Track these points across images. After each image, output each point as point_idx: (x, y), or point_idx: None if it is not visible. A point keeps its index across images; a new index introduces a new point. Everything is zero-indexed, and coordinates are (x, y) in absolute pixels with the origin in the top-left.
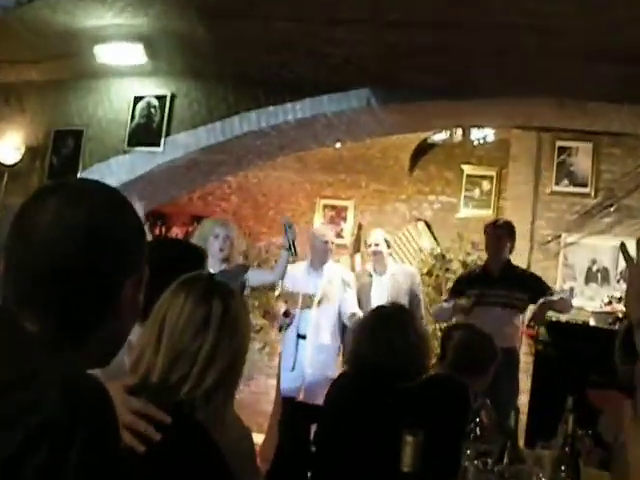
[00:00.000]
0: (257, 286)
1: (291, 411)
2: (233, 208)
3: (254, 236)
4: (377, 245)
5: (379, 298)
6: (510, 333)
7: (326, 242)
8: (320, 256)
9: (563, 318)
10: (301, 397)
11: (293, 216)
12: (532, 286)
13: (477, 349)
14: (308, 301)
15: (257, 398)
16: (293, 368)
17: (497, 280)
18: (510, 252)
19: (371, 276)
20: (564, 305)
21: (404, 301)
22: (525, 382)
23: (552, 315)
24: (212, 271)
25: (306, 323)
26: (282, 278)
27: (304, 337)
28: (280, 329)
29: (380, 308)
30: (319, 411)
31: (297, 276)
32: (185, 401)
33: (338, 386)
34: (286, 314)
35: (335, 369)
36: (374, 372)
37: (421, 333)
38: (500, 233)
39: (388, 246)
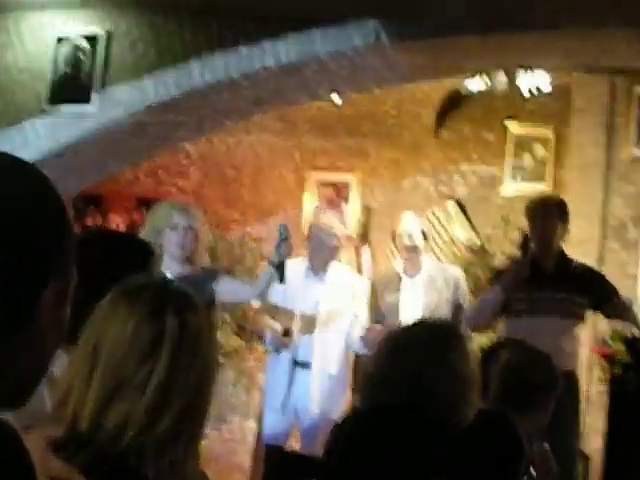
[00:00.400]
0: (229, 302)
1: (279, 465)
2: (193, 187)
3: (223, 225)
4: (411, 237)
5: (410, 310)
6: (571, 351)
7: (334, 237)
8: (325, 257)
9: None
10: (293, 446)
11: (276, 198)
12: (594, 287)
13: (532, 374)
14: (309, 321)
15: (231, 447)
16: (283, 407)
17: (552, 279)
18: (563, 239)
19: (399, 279)
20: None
21: (444, 314)
22: (596, 419)
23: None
24: (168, 275)
25: (306, 347)
26: (263, 300)
27: (305, 365)
28: (274, 350)
29: (414, 325)
30: (318, 466)
31: (291, 284)
32: (129, 452)
33: (346, 433)
34: (286, 333)
35: (341, 409)
36: (397, 417)
37: (471, 365)
38: (551, 213)
39: (425, 238)
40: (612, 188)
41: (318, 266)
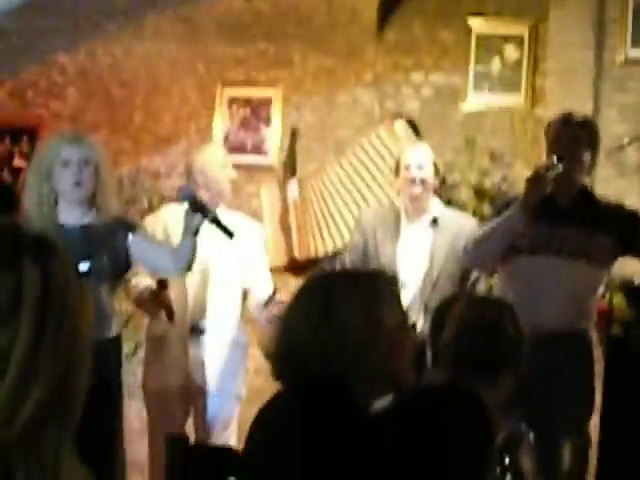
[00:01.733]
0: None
1: (183, 460)
2: (71, 110)
3: (110, 158)
4: (421, 169)
5: (413, 262)
6: (583, 304)
7: (217, 176)
8: (210, 198)
9: None
10: (194, 435)
11: (177, 122)
12: (621, 224)
13: (490, 331)
14: (203, 277)
15: (128, 439)
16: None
17: (567, 214)
18: (589, 172)
19: (397, 222)
20: None
21: (454, 270)
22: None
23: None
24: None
25: (200, 309)
26: (186, 271)
27: (202, 332)
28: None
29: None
30: (236, 460)
31: (172, 236)
32: None
33: (271, 417)
34: (162, 284)
35: (242, 384)
36: (321, 388)
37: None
38: (578, 135)
39: (437, 173)
40: (604, 98)
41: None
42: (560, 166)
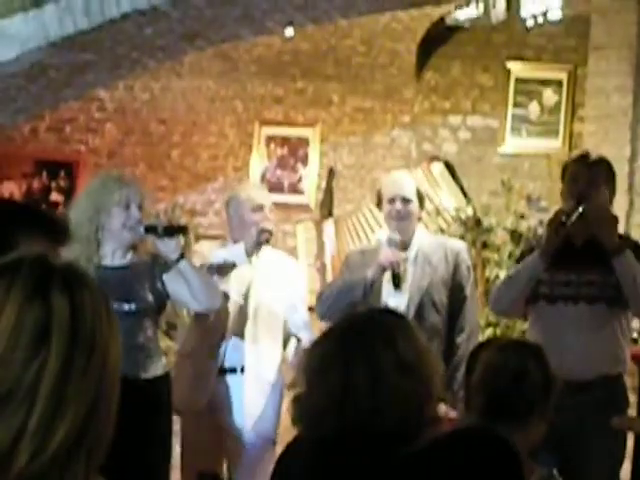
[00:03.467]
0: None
1: None
2: (109, 146)
3: (147, 194)
4: (405, 201)
5: (394, 294)
6: (610, 349)
7: (258, 208)
8: (250, 238)
9: None
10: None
11: (214, 160)
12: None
13: (518, 374)
14: (241, 315)
15: None
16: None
17: (582, 256)
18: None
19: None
20: None
21: (442, 297)
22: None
23: None
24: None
25: (236, 350)
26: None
27: (234, 371)
28: None
29: (347, 318)
30: None
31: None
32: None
33: (291, 463)
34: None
35: (277, 426)
36: (339, 439)
37: (417, 354)
38: (594, 175)
39: (421, 203)
40: None
41: (248, 250)
42: (580, 209)
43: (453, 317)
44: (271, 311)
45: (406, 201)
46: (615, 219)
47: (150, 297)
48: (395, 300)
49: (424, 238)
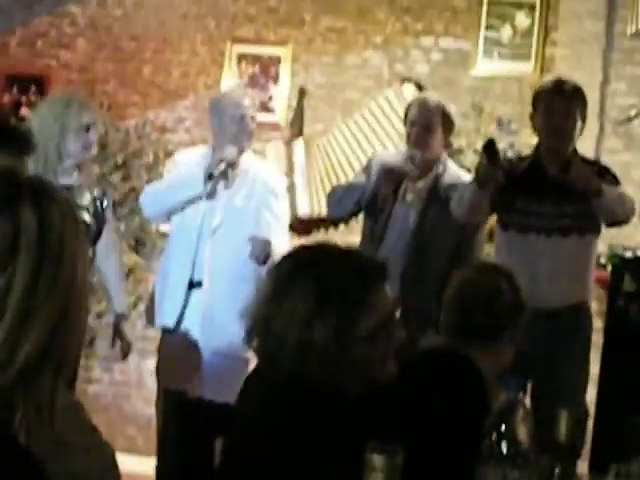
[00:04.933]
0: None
1: (178, 414)
2: (80, 61)
3: (117, 110)
4: (427, 117)
5: (399, 230)
6: (579, 277)
7: (243, 116)
8: (240, 140)
9: None
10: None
11: (186, 77)
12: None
13: (489, 297)
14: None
15: (124, 392)
16: (173, 331)
17: (555, 186)
18: (579, 134)
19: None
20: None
21: (446, 245)
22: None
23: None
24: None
25: (202, 262)
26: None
27: (200, 284)
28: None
29: (301, 250)
30: (228, 416)
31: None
32: None
33: (251, 390)
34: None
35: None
36: (290, 385)
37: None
38: (568, 102)
39: (449, 128)
40: (613, 70)
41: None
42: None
43: (460, 256)
44: (237, 226)
45: (427, 128)
46: (590, 170)
47: (89, 219)
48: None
49: (447, 169)
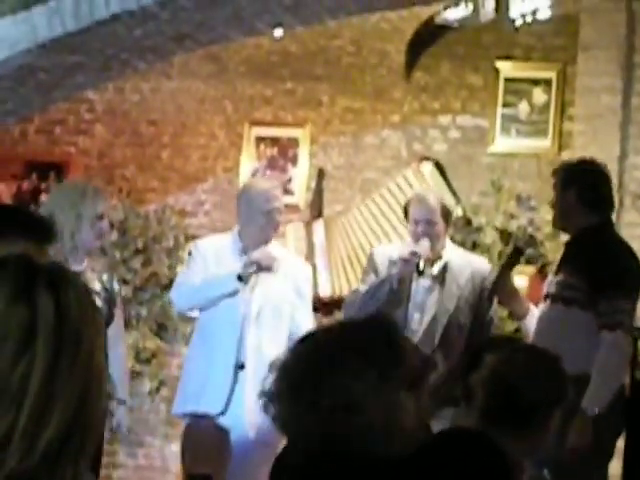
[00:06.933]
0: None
1: None
2: (99, 147)
3: (136, 195)
4: (430, 224)
5: (422, 307)
6: (582, 347)
7: (271, 210)
8: (266, 232)
9: None
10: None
11: (204, 161)
12: (591, 269)
13: (526, 383)
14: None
15: (149, 477)
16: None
17: (562, 258)
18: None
19: (423, 268)
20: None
21: (466, 320)
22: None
23: None
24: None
25: (242, 345)
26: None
27: (242, 366)
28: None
29: (313, 335)
30: None
31: (215, 268)
32: (13, 477)
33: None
34: None
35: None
36: (320, 461)
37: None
38: (555, 183)
39: (448, 218)
40: (630, 143)
41: (251, 244)
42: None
43: (473, 335)
44: (276, 310)
45: (430, 223)
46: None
47: (101, 304)
48: (418, 317)
49: (453, 254)
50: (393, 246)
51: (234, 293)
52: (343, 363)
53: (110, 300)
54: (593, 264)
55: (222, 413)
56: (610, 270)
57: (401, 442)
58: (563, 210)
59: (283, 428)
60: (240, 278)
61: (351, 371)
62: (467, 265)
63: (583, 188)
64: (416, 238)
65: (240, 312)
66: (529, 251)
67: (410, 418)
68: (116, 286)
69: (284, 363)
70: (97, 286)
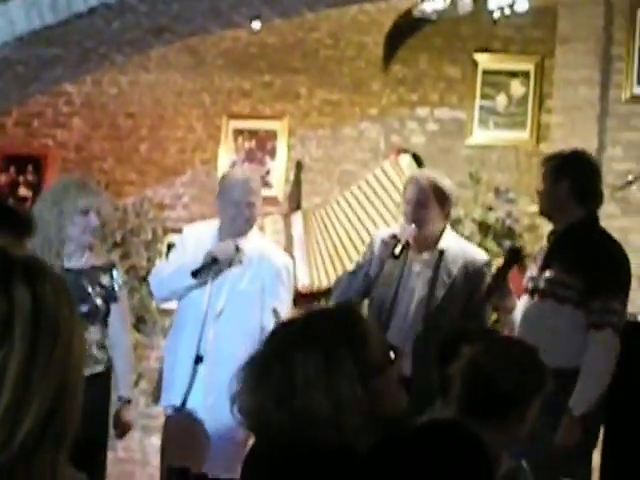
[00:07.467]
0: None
1: None
2: (76, 140)
3: (114, 188)
4: (419, 205)
5: (412, 291)
6: (568, 342)
7: (242, 201)
8: (238, 224)
9: None
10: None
11: (182, 154)
12: (586, 269)
13: (504, 375)
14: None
15: (128, 470)
16: (181, 408)
17: (550, 252)
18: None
19: (399, 253)
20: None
21: (454, 310)
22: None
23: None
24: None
25: (202, 339)
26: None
27: (201, 360)
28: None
29: (280, 325)
30: None
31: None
32: None
33: (253, 466)
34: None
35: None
36: (291, 449)
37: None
38: (542, 174)
39: (443, 203)
40: (609, 135)
41: (224, 236)
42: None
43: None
44: (242, 306)
45: (421, 205)
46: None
47: (100, 302)
48: (407, 300)
49: (451, 242)
50: (393, 228)
51: (198, 286)
52: (297, 350)
53: (107, 295)
54: (588, 263)
55: (182, 405)
56: (606, 270)
57: (353, 431)
58: (553, 201)
59: (247, 418)
60: (195, 274)
61: (301, 357)
62: (462, 255)
63: (576, 181)
64: (406, 219)
65: (204, 306)
66: (507, 243)
67: (362, 407)
68: (120, 282)
69: (251, 354)
70: (105, 280)
